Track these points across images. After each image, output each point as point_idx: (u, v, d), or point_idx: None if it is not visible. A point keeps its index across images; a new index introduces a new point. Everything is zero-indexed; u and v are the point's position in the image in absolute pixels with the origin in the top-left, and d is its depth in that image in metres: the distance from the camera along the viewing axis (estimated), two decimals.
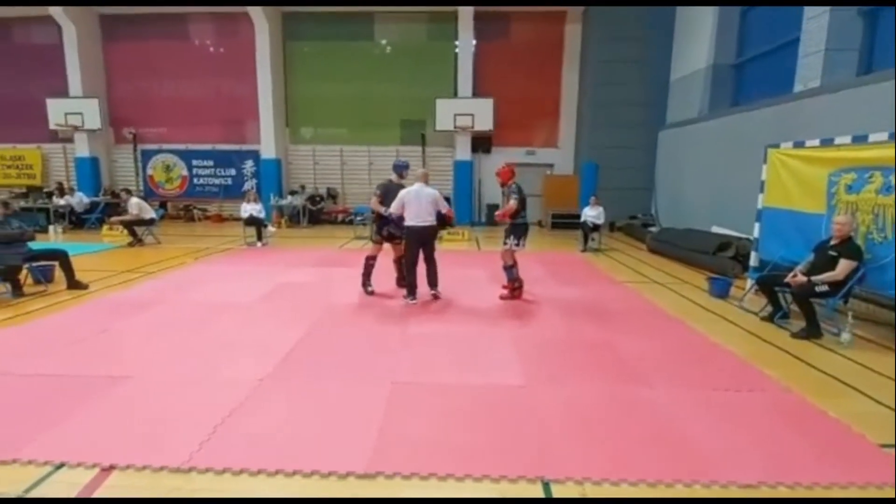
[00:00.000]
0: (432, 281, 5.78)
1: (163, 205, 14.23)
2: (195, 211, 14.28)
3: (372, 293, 5.89)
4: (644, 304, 5.75)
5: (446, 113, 13.04)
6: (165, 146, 14.51)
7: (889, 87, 5.71)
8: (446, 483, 2.37)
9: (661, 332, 4.74)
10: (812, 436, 2.83)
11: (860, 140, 4.69)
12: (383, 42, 14.09)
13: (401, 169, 5.91)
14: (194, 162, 14.48)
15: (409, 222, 5.45)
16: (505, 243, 5.73)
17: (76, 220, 12.05)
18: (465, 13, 12.94)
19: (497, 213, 5.90)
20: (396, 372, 3.65)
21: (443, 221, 5.83)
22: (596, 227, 9.66)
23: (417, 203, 5.41)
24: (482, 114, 12.99)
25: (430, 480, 2.38)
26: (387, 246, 6.11)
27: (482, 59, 13.66)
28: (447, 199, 5.95)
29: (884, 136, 4.43)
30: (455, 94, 13.49)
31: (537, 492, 2.32)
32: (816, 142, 5.24)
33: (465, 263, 8.16)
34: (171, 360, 3.81)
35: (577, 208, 11.68)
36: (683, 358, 4.05)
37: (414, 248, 5.56)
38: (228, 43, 14.06)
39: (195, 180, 14.57)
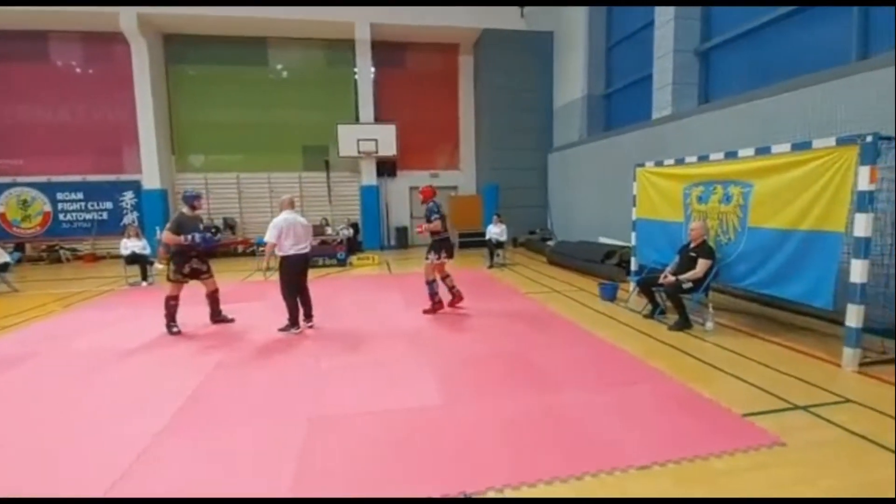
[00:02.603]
0: (308, 311, 5.62)
1: (19, 246, 12.25)
2: (62, 251, 12.49)
3: (178, 333, 5.46)
4: (547, 314, 6.18)
5: (349, 138, 13.02)
6: (21, 179, 12.59)
7: (721, 115, 6.91)
8: None
9: (563, 338, 5.14)
10: (693, 415, 3.26)
11: (703, 159, 5.60)
12: (279, 67, 13.75)
13: (191, 200, 5.59)
14: (59, 195, 12.74)
15: (288, 251, 5.29)
16: (427, 258, 6.05)
17: None
18: (362, 41, 13.14)
19: (418, 226, 6.27)
20: (312, 406, 3.52)
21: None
22: (500, 244, 10.20)
23: (295, 231, 5.31)
24: (385, 139, 13.18)
25: None
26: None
27: (382, 85, 13.93)
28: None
29: (720, 155, 5.34)
30: (357, 120, 13.53)
31: None
32: (672, 161, 6.14)
33: (378, 288, 8.12)
34: (47, 423, 3.29)
35: (481, 227, 12.24)
36: (584, 361, 4.43)
37: (294, 276, 5.41)
38: (100, 65, 12.74)
39: (61, 216, 12.80)
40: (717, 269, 5.23)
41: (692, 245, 5.33)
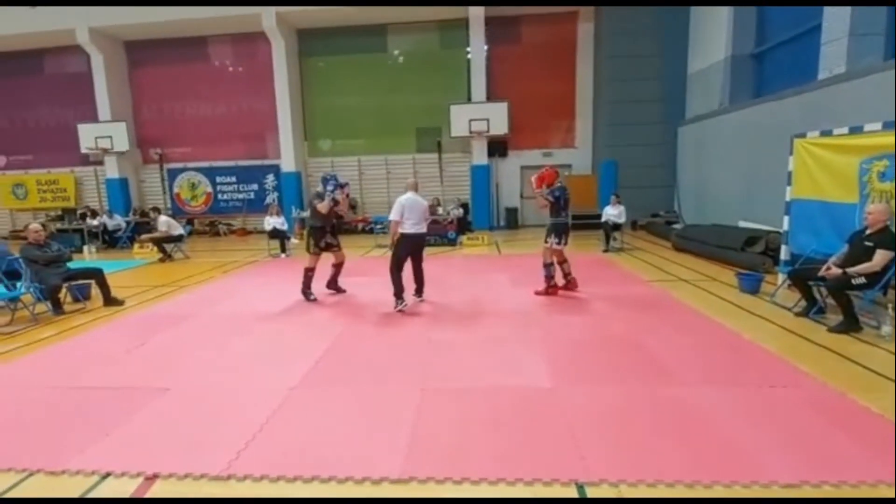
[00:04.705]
0: (420, 288, 5.90)
1: (189, 221, 14.66)
2: (220, 226, 14.68)
3: (314, 300, 6.07)
4: (671, 303, 5.65)
5: (461, 119, 13.10)
6: (190, 164, 14.98)
7: None
8: (479, 486, 2.37)
9: (690, 329, 4.65)
10: (853, 432, 2.73)
11: (891, 126, 4.53)
12: (396, 52, 14.27)
13: (331, 183, 6.13)
14: (218, 179, 14.89)
15: (408, 230, 5.53)
16: (546, 241, 5.94)
17: (109, 240, 12.52)
18: (476, 19, 13.01)
19: (540, 198, 5.95)
20: (424, 378, 3.68)
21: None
22: (617, 227, 9.54)
23: (416, 211, 5.57)
24: (497, 118, 13.01)
25: (464, 484, 2.39)
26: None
27: (495, 63, 13.70)
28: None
29: None
30: (469, 100, 13.55)
31: (572, 494, 2.30)
32: (845, 130, 5.09)
33: (487, 268, 8.16)
34: (206, 372, 3.93)
35: (597, 208, 11.55)
36: (715, 355, 3.96)
37: (406, 254, 5.65)
38: (247, 62, 14.47)
39: (219, 196, 14.98)
40: None
41: (868, 232, 4.37)
